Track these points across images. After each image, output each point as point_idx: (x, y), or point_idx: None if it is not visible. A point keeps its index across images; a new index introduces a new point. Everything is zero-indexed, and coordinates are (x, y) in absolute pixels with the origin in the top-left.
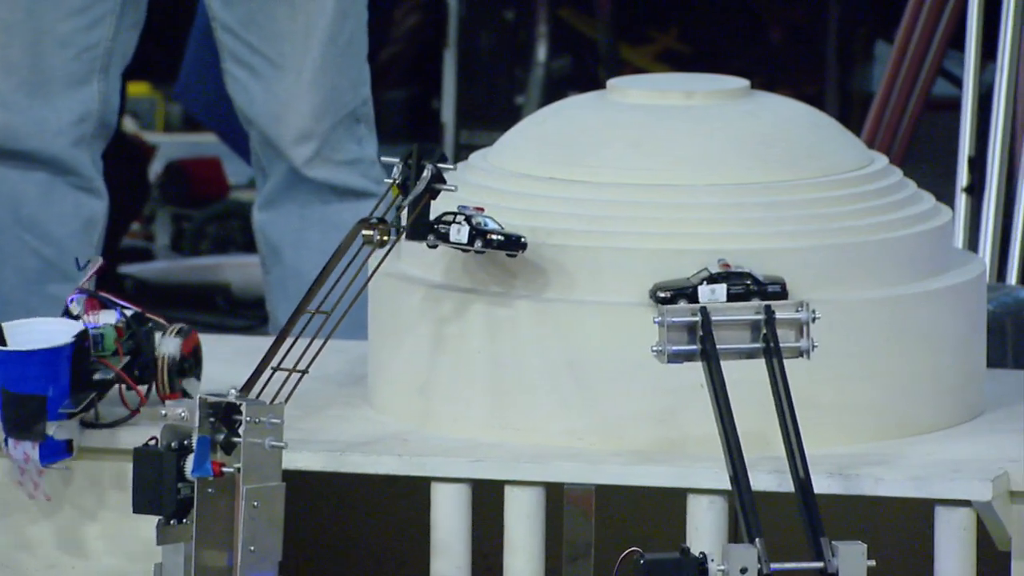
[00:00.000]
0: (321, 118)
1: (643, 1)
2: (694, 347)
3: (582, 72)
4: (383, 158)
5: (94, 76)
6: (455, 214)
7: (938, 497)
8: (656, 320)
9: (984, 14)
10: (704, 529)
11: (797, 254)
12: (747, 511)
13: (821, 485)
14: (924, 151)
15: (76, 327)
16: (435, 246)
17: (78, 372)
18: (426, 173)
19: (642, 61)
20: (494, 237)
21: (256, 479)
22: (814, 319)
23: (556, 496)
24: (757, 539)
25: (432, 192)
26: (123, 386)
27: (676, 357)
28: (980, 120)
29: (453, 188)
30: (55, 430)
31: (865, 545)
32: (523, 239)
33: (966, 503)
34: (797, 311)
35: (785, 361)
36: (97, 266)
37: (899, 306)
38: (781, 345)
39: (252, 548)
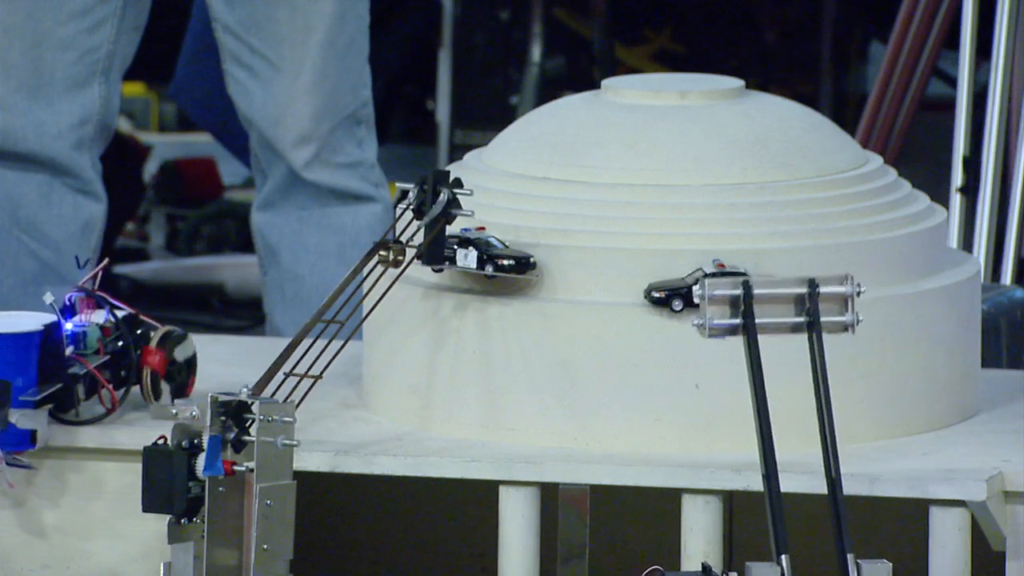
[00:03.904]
0: (321, 121)
1: (638, 1)
2: (736, 321)
3: (577, 72)
4: (399, 184)
5: (95, 79)
6: (458, 238)
7: (933, 497)
8: (698, 292)
9: (979, 14)
10: (699, 530)
11: (792, 254)
12: (775, 511)
13: (816, 485)
14: (919, 151)
15: (46, 318)
16: (440, 270)
17: (46, 363)
18: (442, 198)
19: (637, 61)
20: (505, 262)
21: (269, 477)
22: (859, 293)
23: (551, 496)
24: (783, 556)
25: (448, 217)
26: (102, 384)
27: (717, 331)
28: (975, 120)
29: (470, 213)
30: (17, 418)
31: (890, 564)
32: (532, 259)
33: (961, 503)
34: (841, 284)
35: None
36: (101, 267)
37: (893, 306)
38: (826, 319)
39: (265, 547)
